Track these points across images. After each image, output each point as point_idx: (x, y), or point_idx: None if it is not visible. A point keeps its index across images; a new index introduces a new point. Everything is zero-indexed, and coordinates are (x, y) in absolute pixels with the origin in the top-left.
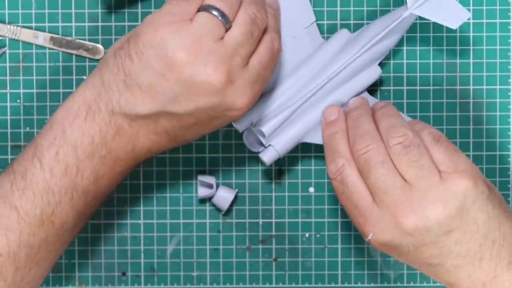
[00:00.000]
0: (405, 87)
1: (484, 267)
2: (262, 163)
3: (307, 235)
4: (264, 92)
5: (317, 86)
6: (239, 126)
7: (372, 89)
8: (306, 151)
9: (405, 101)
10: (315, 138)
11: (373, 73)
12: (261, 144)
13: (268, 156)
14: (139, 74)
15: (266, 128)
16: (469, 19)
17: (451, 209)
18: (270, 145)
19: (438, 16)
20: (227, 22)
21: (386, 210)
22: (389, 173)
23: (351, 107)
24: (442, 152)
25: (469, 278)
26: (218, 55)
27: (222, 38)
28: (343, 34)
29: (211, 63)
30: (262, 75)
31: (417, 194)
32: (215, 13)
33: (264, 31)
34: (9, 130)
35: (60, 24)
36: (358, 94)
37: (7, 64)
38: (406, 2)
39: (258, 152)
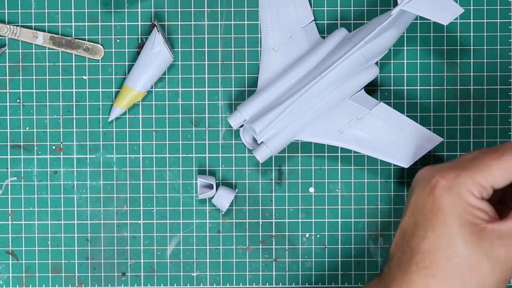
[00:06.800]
0: (405, 87)
1: None
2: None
3: (307, 235)
4: (258, 90)
5: (309, 84)
6: (232, 123)
7: (372, 89)
8: (306, 151)
9: (405, 101)
10: (309, 136)
11: (370, 73)
12: (256, 141)
13: (260, 154)
14: None
15: (257, 125)
16: (468, 18)
17: None
18: (262, 142)
19: (428, 12)
20: None
21: None
22: None
23: None
24: None
25: None
26: None
27: None
28: (340, 33)
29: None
30: None
31: None
32: None
33: None
34: (8, 130)
35: (59, 24)
36: (354, 94)
37: (7, 64)
38: None
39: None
